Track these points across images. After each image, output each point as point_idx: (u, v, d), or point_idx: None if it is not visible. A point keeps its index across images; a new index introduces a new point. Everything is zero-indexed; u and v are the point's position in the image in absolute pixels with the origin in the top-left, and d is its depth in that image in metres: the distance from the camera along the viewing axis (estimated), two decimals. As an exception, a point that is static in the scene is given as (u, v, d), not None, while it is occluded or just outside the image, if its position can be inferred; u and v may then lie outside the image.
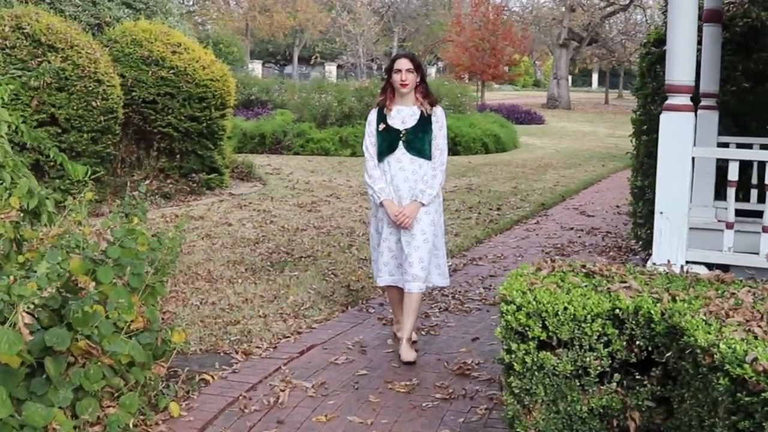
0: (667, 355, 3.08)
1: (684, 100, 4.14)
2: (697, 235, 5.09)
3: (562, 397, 3.31)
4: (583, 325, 3.23)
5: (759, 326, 2.90)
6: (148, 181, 10.88)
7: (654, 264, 4.07)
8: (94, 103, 9.92)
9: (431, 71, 54.82)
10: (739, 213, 4.61)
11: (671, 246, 4.09)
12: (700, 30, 5.50)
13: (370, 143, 5.28)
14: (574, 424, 3.33)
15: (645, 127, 7.20)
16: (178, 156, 11.87)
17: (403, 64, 5.17)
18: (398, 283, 5.26)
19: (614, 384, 3.27)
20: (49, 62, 9.52)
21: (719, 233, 5.22)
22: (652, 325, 3.15)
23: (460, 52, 39.80)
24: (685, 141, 4.10)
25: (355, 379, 4.80)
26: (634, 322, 3.20)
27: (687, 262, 4.13)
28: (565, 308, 3.24)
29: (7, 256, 4.07)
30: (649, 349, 3.20)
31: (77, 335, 3.64)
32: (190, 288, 6.62)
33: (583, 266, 3.75)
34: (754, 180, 6.04)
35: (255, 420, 4.19)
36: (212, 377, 4.72)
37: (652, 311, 3.16)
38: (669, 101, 4.18)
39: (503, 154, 20.11)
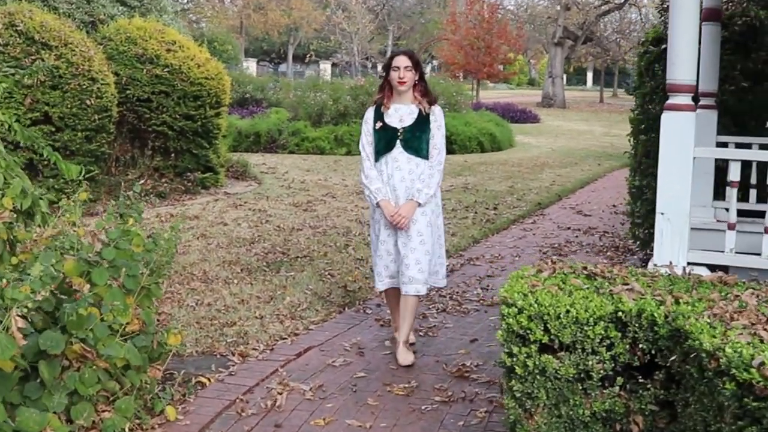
0: (672, 359, 3.04)
1: (685, 99, 4.11)
2: (695, 235, 5.05)
3: (565, 401, 3.27)
4: (585, 328, 3.18)
5: (765, 329, 2.85)
6: (142, 181, 10.84)
7: (655, 265, 4.03)
8: (88, 102, 9.85)
9: (426, 70, 54.74)
10: (738, 213, 4.57)
11: (672, 247, 4.05)
12: (698, 29, 5.46)
13: (366, 142, 5.18)
14: (577, 429, 3.28)
15: (643, 126, 7.17)
16: (172, 155, 11.82)
17: (402, 61, 5.07)
18: (390, 285, 5.20)
19: (617, 388, 3.22)
20: (42, 60, 9.45)
21: (718, 233, 5.20)
22: (656, 328, 3.11)
23: (455, 51, 39.81)
24: (687, 141, 4.06)
25: (353, 381, 4.75)
26: (637, 325, 3.15)
27: (688, 264, 4.09)
28: (567, 311, 3.19)
29: (0, 258, 4.01)
30: (653, 352, 3.16)
31: (72, 338, 3.59)
32: (185, 289, 6.57)
33: (585, 268, 3.70)
34: (753, 180, 6.01)
35: (252, 424, 4.14)
36: (209, 380, 4.67)
37: (655, 314, 3.11)
38: (670, 101, 4.13)
39: (499, 153, 20.07)
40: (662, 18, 11.14)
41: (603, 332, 3.17)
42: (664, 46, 6.88)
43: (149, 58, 11.30)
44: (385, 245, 5.14)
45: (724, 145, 6.07)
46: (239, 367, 4.92)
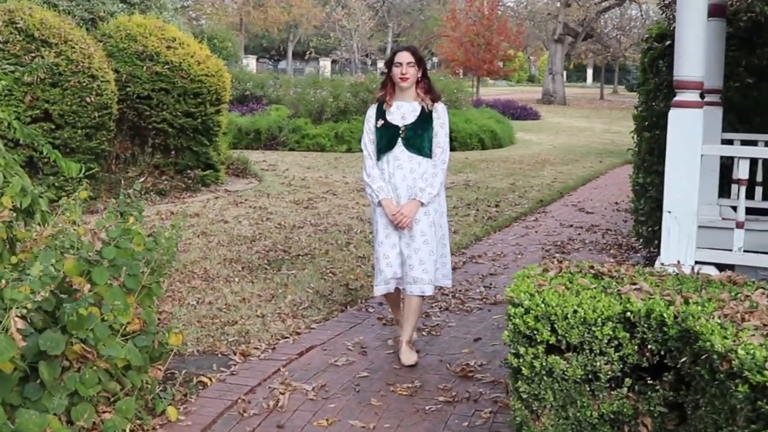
0: (682, 360, 2.99)
1: (693, 96, 4.06)
2: (701, 233, 5.00)
3: (572, 402, 3.22)
4: (593, 328, 3.13)
5: (777, 330, 2.81)
6: (143, 178, 10.79)
7: (662, 264, 3.98)
8: (88, 99, 9.80)
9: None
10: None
11: (680, 246, 4.01)
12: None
13: (368, 140, 5.09)
14: (584, 431, 3.23)
15: (647, 123, 7.12)
16: (173, 152, 11.77)
17: (404, 57, 4.98)
18: (392, 289, 5.08)
19: (625, 389, 3.17)
20: (42, 57, 9.39)
21: (724, 232, 5.16)
22: (665, 329, 3.06)
23: (455, 48, 39.74)
24: (694, 138, 4.01)
25: (356, 381, 4.71)
26: (645, 325, 3.10)
27: (696, 263, 4.04)
28: (575, 311, 3.14)
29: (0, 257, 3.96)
30: (662, 353, 3.11)
31: (72, 339, 3.54)
32: (186, 287, 6.52)
33: (592, 267, 3.65)
34: (759, 177, 5.96)
35: (254, 424, 4.10)
36: (210, 380, 4.62)
37: (664, 314, 3.06)
38: (678, 97, 4.08)
39: (500, 150, 20.01)
40: (664, 14, 11.11)
41: (611, 333, 3.12)
42: (668, 43, 6.84)
43: (149, 55, 11.26)
44: (382, 247, 5.01)
45: (729, 142, 6.02)
46: (241, 367, 4.87)
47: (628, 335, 3.13)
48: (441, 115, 5.04)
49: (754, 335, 2.77)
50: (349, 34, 46.42)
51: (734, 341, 2.74)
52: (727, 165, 6.18)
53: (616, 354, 3.14)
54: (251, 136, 18.45)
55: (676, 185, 4.04)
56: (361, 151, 5.19)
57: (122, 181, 10.06)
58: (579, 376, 3.17)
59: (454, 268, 7.32)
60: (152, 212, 9.61)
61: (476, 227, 9.47)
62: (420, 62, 5.03)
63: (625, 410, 3.17)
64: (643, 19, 47.69)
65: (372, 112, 5.14)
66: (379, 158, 5.06)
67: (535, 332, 3.19)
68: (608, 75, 60.70)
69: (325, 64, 50.66)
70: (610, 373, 3.16)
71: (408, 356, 4.99)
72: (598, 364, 3.15)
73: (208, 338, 5.34)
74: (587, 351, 3.16)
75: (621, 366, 3.16)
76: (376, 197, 5.01)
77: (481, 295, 6.59)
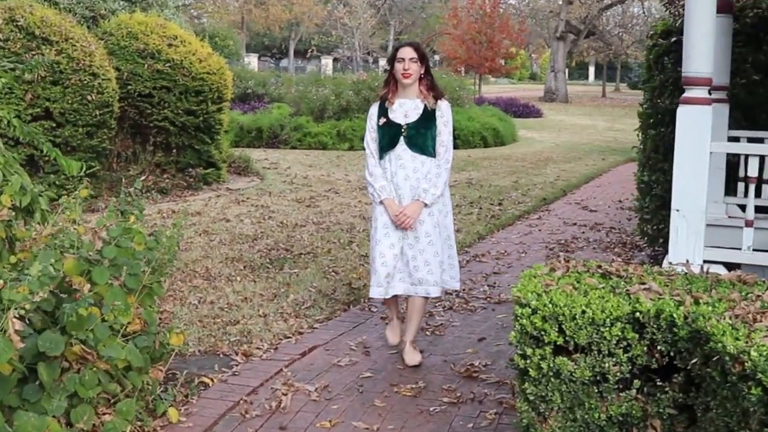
0: (692, 361, 2.93)
1: (702, 92, 4.00)
2: (707, 232, 4.94)
3: (580, 404, 3.16)
4: (601, 329, 3.07)
5: (790, 331, 2.75)
6: (144, 176, 10.74)
7: (670, 264, 3.92)
8: (89, 97, 9.76)
9: (428, 64, 54.51)
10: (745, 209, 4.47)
11: (688, 245, 3.95)
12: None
13: (370, 139, 5.00)
14: (592, 433, 3.18)
15: (652, 120, 7.06)
16: (174, 150, 11.73)
17: (407, 53, 4.87)
18: (387, 293, 4.92)
19: (634, 391, 3.11)
20: (42, 54, 9.34)
21: (731, 230, 5.10)
22: (675, 330, 3.00)
23: (457, 45, 39.68)
24: (703, 136, 3.96)
25: (359, 381, 4.65)
26: (655, 326, 3.05)
27: (704, 262, 3.99)
28: (583, 311, 3.08)
29: (-2, 257, 3.91)
30: (671, 354, 3.05)
31: (71, 339, 3.49)
32: (187, 286, 6.47)
33: (599, 266, 3.59)
34: (766, 175, 5.90)
35: (257, 426, 4.05)
36: (212, 380, 4.57)
37: (674, 315, 3.00)
38: (686, 94, 4.03)
39: (502, 147, 19.94)
40: (667, 11, 11.05)
41: (620, 333, 3.06)
42: (673, 39, 6.78)
43: (150, 53, 11.21)
44: (380, 246, 4.88)
45: (736, 139, 5.96)
46: (243, 367, 4.82)
47: (637, 336, 3.07)
48: (444, 113, 4.94)
49: (767, 336, 2.71)
50: (350, 32, 46.34)
51: (746, 342, 2.68)
52: (732, 163, 6.12)
53: (625, 355, 3.08)
54: (253, 134, 18.41)
55: (684, 183, 3.98)
56: (363, 149, 5.12)
57: (123, 180, 10.01)
58: (587, 378, 3.12)
59: (457, 267, 7.28)
60: (153, 211, 9.57)
61: (479, 225, 9.42)
62: (423, 58, 4.92)
63: (633, 412, 3.12)
64: (645, 17, 47.63)
65: (374, 109, 5.05)
66: (381, 157, 4.96)
67: (543, 333, 3.13)
68: (610, 73, 60.61)
69: (327, 62, 50.62)
70: (618, 374, 3.10)
71: (412, 356, 4.93)
72: (607, 365, 3.09)
73: (210, 338, 5.29)
74: (595, 352, 3.11)
75: (630, 367, 3.10)
76: (378, 197, 4.92)
77: (485, 294, 6.53)
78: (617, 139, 22.95)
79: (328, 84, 20.26)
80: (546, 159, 17.50)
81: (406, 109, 4.94)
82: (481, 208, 10.68)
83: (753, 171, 4.07)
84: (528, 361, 3.18)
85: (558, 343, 3.13)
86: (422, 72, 4.94)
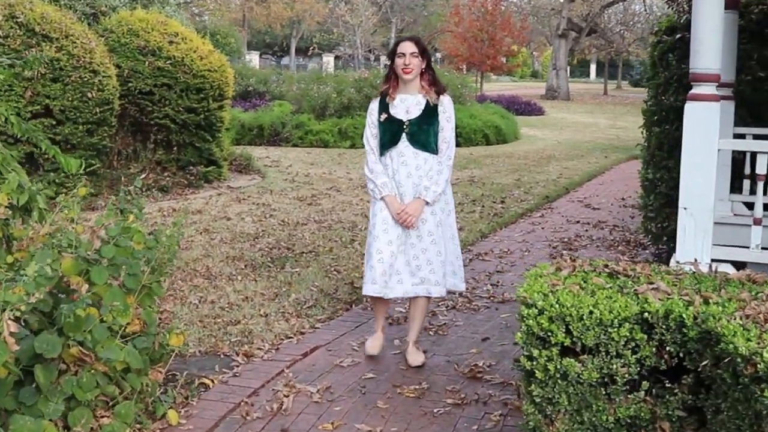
0: (702, 363, 2.87)
1: (709, 89, 3.94)
2: (713, 230, 4.89)
3: (587, 406, 3.10)
4: (609, 330, 3.01)
5: (803, 333, 2.69)
6: (144, 174, 10.69)
7: (678, 263, 3.86)
8: (89, 94, 9.70)
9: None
10: (751, 206, 4.41)
11: (696, 244, 3.89)
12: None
13: (370, 135, 4.91)
14: (600, 436, 3.12)
15: (656, 118, 6.98)
16: (175, 148, 11.66)
17: (407, 47, 4.77)
18: (384, 294, 4.83)
19: (642, 392, 3.05)
20: (41, 51, 9.28)
21: (737, 228, 5.04)
22: (684, 330, 2.94)
23: (459, 43, 39.65)
24: (711, 133, 3.90)
25: (361, 383, 4.59)
26: (664, 326, 2.98)
27: (712, 260, 3.93)
28: (591, 312, 3.02)
29: (-5, 256, 3.85)
30: (681, 355, 2.99)
31: (69, 341, 3.42)
32: (188, 285, 6.41)
33: (606, 266, 3.53)
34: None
35: (258, 428, 3.98)
36: (212, 381, 4.50)
37: (683, 315, 2.94)
38: (694, 90, 3.97)
39: (504, 145, 19.88)
40: (670, 8, 10.97)
41: (628, 334, 3.00)
42: (678, 36, 6.71)
43: (151, 50, 11.14)
44: (377, 242, 4.80)
45: (741, 136, 5.90)
46: (244, 368, 4.75)
47: (645, 337, 3.01)
48: (447, 109, 4.85)
49: (779, 338, 2.65)
50: (352, 29, 46.29)
51: (758, 343, 2.62)
52: (736, 160, 6.06)
53: (633, 356, 3.02)
54: (254, 132, 18.35)
55: (691, 181, 3.92)
56: (364, 146, 5.05)
57: (123, 178, 9.97)
58: (594, 379, 3.06)
59: (460, 266, 7.22)
60: (154, 209, 9.51)
61: (482, 224, 9.36)
62: (424, 53, 4.82)
63: (642, 414, 3.06)
64: (646, 14, 47.55)
65: (374, 105, 4.97)
66: (382, 154, 4.88)
67: (550, 334, 3.07)
68: (612, 70, 60.53)
69: (328, 60, 50.54)
70: (626, 376, 3.04)
71: (415, 357, 4.86)
72: (615, 366, 3.03)
73: (211, 338, 5.23)
74: (603, 353, 3.05)
75: (638, 369, 3.04)
76: (379, 194, 4.84)
77: (488, 294, 6.47)
78: (619, 136, 22.88)
79: (329, 82, 20.20)
80: (548, 157, 17.44)
81: (407, 105, 4.85)
82: (483, 206, 10.62)
83: (762, 168, 4.00)
84: (534, 363, 3.12)
85: (565, 344, 3.07)
86: (423, 67, 4.86)
